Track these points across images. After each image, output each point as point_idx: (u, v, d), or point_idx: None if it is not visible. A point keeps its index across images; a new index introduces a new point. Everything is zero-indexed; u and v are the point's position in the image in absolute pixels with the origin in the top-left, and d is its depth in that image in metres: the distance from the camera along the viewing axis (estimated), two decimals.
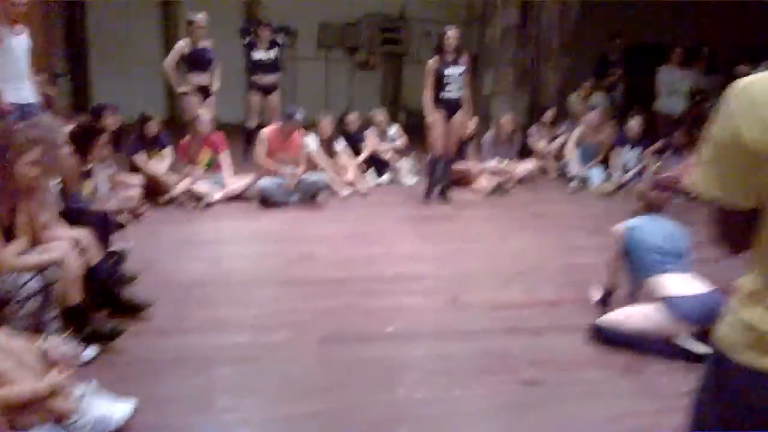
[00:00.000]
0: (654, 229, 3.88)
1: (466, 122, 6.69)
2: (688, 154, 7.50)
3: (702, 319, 3.50)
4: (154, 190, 6.12)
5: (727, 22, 9.98)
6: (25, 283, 2.93)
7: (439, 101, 6.34)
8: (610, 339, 3.67)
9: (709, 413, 1.42)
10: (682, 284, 3.63)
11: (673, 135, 7.54)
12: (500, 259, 5.09)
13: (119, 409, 2.71)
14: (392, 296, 4.28)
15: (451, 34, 6.27)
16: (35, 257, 3.09)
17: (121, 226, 5.15)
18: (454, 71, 6.27)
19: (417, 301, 4.22)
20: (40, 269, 3.08)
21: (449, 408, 3.02)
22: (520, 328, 3.89)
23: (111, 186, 5.73)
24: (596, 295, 4.21)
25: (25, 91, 5.73)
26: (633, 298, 3.96)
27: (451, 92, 6.31)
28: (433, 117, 6.36)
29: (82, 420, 2.59)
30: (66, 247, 3.29)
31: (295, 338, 3.64)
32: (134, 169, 6.25)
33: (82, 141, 3.96)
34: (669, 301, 3.57)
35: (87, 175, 4.09)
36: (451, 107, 6.37)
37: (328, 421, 2.87)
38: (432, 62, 6.34)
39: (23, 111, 5.65)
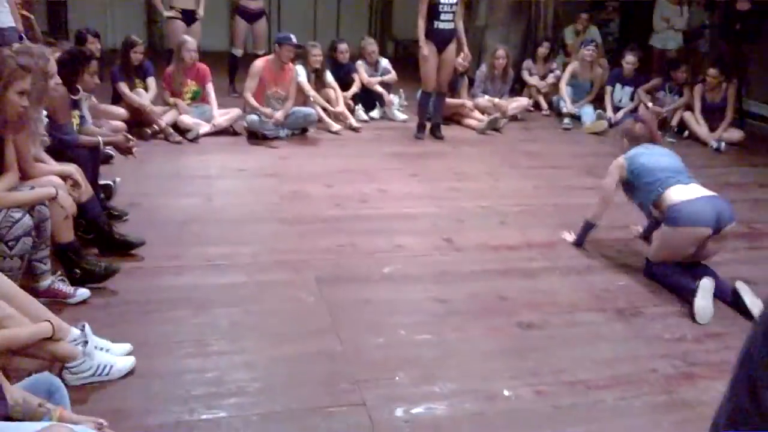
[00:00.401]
0: (653, 153, 3.92)
1: (457, 55, 6.48)
2: (685, 92, 7.42)
3: (715, 219, 3.55)
4: (138, 122, 5.95)
5: None
6: (17, 221, 2.82)
7: (431, 32, 6.14)
8: (657, 276, 3.76)
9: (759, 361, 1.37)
10: (690, 192, 3.67)
11: (671, 73, 7.43)
12: (493, 199, 5.06)
13: (122, 360, 2.67)
14: (388, 236, 4.24)
15: None
16: (26, 194, 2.97)
17: (108, 159, 5.02)
18: (448, 0, 6.04)
19: (413, 242, 4.19)
20: (31, 206, 2.98)
21: (447, 351, 3.03)
22: (515, 270, 3.89)
23: (93, 116, 5.57)
24: (569, 236, 4.28)
25: (2, 14, 5.45)
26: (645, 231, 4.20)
27: (445, 22, 6.10)
28: (427, 49, 6.17)
29: (83, 365, 2.56)
30: (57, 182, 3.18)
31: (292, 278, 3.61)
32: (117, 99, 6.05)
33: (71, 69, 3.77)
34: (680, 206, 3.59)
35: (75, 105, 3.93)
36: (444, 38, 6.17)
37: (328, 363, 2.86)
38: None
39: (1, 35, 5.41)
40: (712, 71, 6.92)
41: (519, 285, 3.71)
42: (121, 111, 5.88)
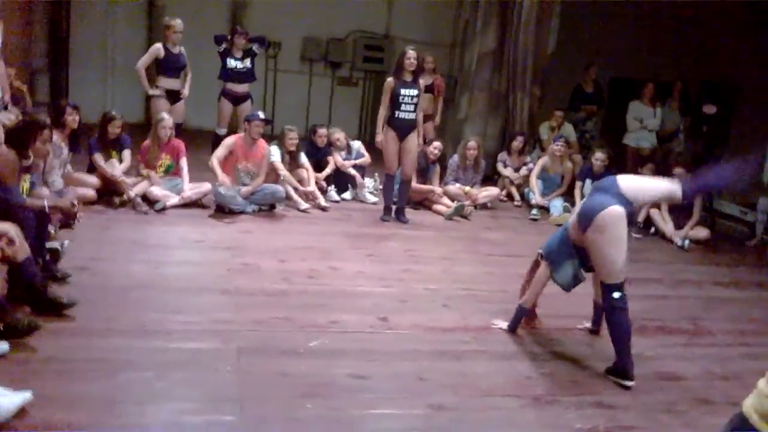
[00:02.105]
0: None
1: (416, 143, 6.69)
2: None
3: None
4: (109, 191, 6.14)
5: (701, 58, 10.16)
6: None
7: (393, 120, 6.41)
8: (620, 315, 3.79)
9: None
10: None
11: (638, 170, 7.60)
12: (443, 282, 5.12)
13: (10, 400, 2.72)
14: (326, 312, 4.29)
15: (411, 54, 6.34)
16: None
17: (70, 223, 5.16)
18: (409, 92, 6.33)
19: (349, 318, 4.23)
20: None
21: (348, 427, 3.04)
22: (444, 352, 3.91)
23: (66, 183, 5.78)
24: (500, 324, 4.31)
25: None
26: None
27: (406, 112, 6.37)
28: (384, 135, 6.43)
29: None
30: None
31: (216, 348, 3.65)
32: (92, 169, 6.27)
33: (23, 136, 3.97)
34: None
35: (26, 170, 4.10)
36: (404, 127, 6.43)
37: None
38: (389, 81, 6.41)
39: None
40: (677, 170, 7.08)
41: (442, 367, 3.73)
42: (92, 180, 6.10)
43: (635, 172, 8.06)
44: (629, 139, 8.83)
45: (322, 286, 4.81)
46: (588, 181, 7.80)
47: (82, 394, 3.05)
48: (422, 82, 6.65)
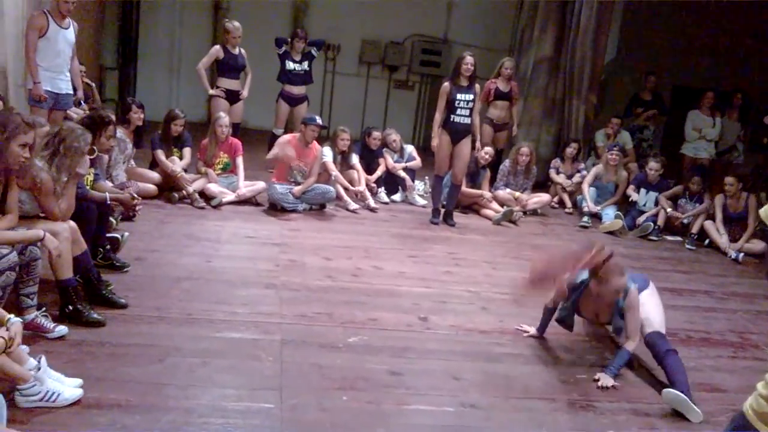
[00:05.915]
0: None
1: (470, 148, 6.74)
2: (705, 201, 7.42)
3: None
4: (169, 187, 6.42)
5: (764, 68, 9.87)
6: (3, 257, 3.16)
7: (447, 124, 6.47)
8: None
9: None
10: None
11: (690, 180, 7.47)
12: (484, 285, 5.16)
13: (70, 390, 2.91)
14: (366, 309, 4.41)
15: (469, 60, 6.39)
16: (15, 233, 3.33)
17: (130, 215, 5.42)
18: (464, 97, 6.39)
19: (388, 316, 4.33)
20: (23, 245, 3.33)
21: (380, 420, 3.13)
22: (480, 353, 3.97)
23: (129, 178, 6.07)
24: (528, 329, 4.31)
25: (63, 81, 6.15)
26: None
27: (461, 117, 6.42)
28: (439, 139, 6.49)
29: (32, 389, 2.81)
30: (53, 228, 3.54)
31: (259, 338, 3.81)
32: (154, 165, 6.57)
33: (89, 131, 4.21)
34: None
35: (91, 163, 4.35)
36: (458, 131, 6.49)
37: (262, 419, 3.02)
38: (445, 85, 6.48)
39: (58, 99, 6.07)
40: (728, 179, 6.92)
41: (478, 367, 3.78)
42: (154, 175, 6.39)
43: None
44: (687, 149, 8.67)
45: (364, 284, 4.92)
46: (643, 190, 7.70)
47: (132, 376, 3.23)
48: (502, 88, 6.63)
